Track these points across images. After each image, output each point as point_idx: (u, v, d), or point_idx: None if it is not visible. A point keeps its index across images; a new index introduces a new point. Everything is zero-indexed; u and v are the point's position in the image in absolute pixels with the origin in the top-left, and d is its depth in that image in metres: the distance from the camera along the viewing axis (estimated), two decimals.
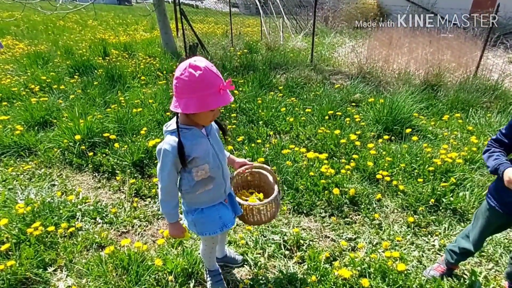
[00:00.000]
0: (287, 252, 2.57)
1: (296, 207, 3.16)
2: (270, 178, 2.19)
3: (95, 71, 6.59)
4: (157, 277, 2.25)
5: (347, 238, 2.82)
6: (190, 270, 2.32)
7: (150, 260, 2.38)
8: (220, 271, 2.28)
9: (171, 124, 1.61)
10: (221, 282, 2.21)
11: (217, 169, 1.74)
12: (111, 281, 2.18)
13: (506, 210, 1.84)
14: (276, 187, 2.08)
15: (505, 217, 1.87)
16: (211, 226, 1.83)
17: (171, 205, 1.72)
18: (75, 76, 6.33)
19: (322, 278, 2.30)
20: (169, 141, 1.55)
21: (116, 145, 3.77)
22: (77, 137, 3.78)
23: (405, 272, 2.36)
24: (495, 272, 2.53)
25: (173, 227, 1.80)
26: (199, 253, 2.44)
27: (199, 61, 1.45)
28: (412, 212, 3.16)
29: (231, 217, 1.89)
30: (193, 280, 2.28)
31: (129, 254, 2.32)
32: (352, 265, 2.45)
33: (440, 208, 3.18)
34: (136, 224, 2.93)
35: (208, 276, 2.24)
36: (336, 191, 3.19)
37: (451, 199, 3.21)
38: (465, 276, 2.48)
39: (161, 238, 2.64)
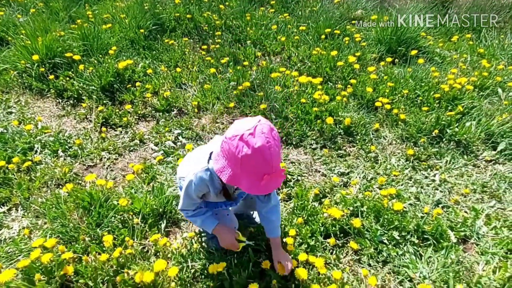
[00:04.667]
0: (279, 200, 2.30)
1: (284, 137, 2.84)
2: None
3: None
4: (123, 218, 1.99)
5: (339, 173, 2.55)
6: (161, 210, 2.06)
7: (116, 199, 2.10)
8: None
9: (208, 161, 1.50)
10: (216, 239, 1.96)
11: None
12: (70, 223, 1.92)
13: None
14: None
15: None
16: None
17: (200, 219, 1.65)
18: None
19: (310, 219, 2.06)
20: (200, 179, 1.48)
21: (81, 66, 3.28)
22: (35, 57, 3.27)
23: (401, 211, 2.13)
24: (497, 210, 2.32)
25: (219, 232, 1.67)
26: (173, 190, 2.17)
27: (257, 136, 1.22)
28: (412, 144, 2.86)
29: None
30: (164, 221, 2.03)
31: (90, 192, 2.03)
32: (343, 203, 2.20)
33: (443, 139, 2.89)
34: (105, 157, 2.61)
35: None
36: (329, 120, 2.84)
37: (456, 129, 2.89)
38: (465, 214, 2.27)
39: (131, 174, 2.34)
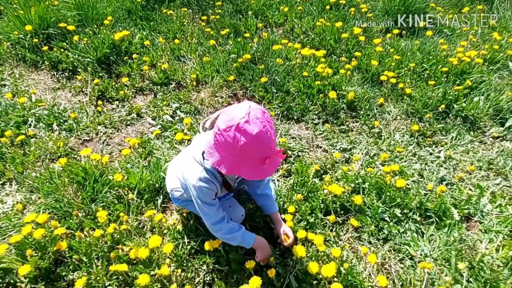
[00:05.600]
0: None
1: (285, 112, 2.75)
2: None
3: None
4: (118, 194, 1.94)
5: (341, 149, 2.47)
6: (157, 185, 2.01)
7: (112, 174, 2.05)
8: None
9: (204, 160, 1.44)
10: None
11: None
12: (64, 198, 1.88)
13: None
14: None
15: None
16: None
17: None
18: None
19: (310, 195, 2.01)
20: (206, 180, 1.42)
21: (76, 37, 3.17)
22: (28, 27, 3.14)
23: (404, 188, 2.07)
24: (503, 187, 2.26)
25: (258, 246, 1.60)
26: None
27: (253, 123, 1.18)
28: (417, 120, 2.77)
29: None
30: (161, 197, 1.99)
31: (85, 167, 1.98)
32: (344, 180, 2.15)
33: (450, 115, 2.79)
34: (101, 131, 2.55)
35: None
36: (332, 94, 2.74)
37: (464, 104, 2.79)
38: (470, 191, 2.21)
39: (127, 148, 2.29)
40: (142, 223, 1.86)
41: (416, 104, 2.83)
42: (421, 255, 1.77)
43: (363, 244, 1.85)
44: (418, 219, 1.94)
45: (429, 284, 1.62)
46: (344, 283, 1.54)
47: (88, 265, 1.59)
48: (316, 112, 2.78)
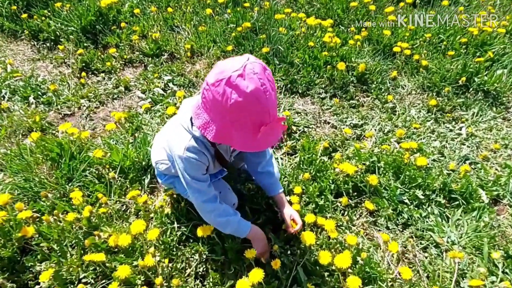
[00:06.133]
0: (271, 151, 1.96)
1: (289, 85, 2.48)
2: None
3: None
4: (99, 172, 1.69)
5: (351, 125, 2.22)
6: (144, 163, 1.76)
7: (93, 151, 1.80)
8: None
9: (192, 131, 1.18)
10: None
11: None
12: (35, 177, 1.63)
13: None
14: None
15: None
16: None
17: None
18: None
19: (318, 175, 1.77)
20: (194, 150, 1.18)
21: (58, 4, 2.87)
22: None
23: (425, 167, 1.82)
24: None
25: (253, 237, 1.33)
26: None
27: (248, 78, 0.94)
28: (434, 94, 2.51)
29: None
30: (148, 176, 1.74)
31: (60, 142, 1.73)
32: (357, 158, 1.90)
33: (470, 89, 2.53)
34: (84, 105, 2.28)
35: None
36: (341, 65, 2.47)
37: (485, 78, 2.53)
38: (496, 171, 1.96)
39: (112, 123, 2.03)
40: (125, 207, 1.61)
41: (433, 77, 2.56)
42: (448, 242, 1.53)
43: (379, 230, 1.61)
44: (443, 201, 1.70)
45: (459, 275, 1.39)
46: (361, 276, 1.31)
47: (59, 254, 1.35)
48: (323, 86, 2.52)
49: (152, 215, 1.54)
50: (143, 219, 1.45)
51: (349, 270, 1.33)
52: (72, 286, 1.29)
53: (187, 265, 1.39)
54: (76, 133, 1.78)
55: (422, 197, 1.68)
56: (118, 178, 1.65)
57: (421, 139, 2.14)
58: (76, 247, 1.37)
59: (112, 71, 2.58)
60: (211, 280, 1.32)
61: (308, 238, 1.35)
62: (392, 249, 1.36)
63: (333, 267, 1.30)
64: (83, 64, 2.59)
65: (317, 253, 1.35)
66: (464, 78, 2.48)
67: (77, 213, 1.44)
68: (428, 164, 1.91)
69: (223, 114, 0.99)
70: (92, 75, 2.57)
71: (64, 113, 2.22)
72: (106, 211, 1.44)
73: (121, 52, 2.72)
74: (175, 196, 1.61)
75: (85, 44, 2.76)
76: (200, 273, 1.37)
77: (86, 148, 1.77)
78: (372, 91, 2.51)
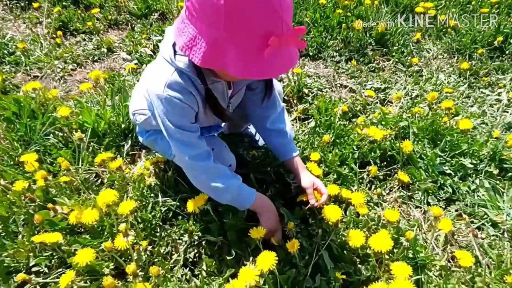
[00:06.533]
0: (283, 104, 1.61)
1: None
2: None
3: None
4: (65, 136, 1.36)
5: (373, 88, 1.88)
6: (123, 126, 1.42)
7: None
8: None
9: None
10: None
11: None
12: None
13: None
14: None
15: None
16: None
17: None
18: None
19: (338, 141, 1.43)
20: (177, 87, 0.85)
21: None
22: None
23: (470, 131, 1.49)
24: None
25: (261, 207, 1.01)
26: None
27: None
28: (466, 58, 2.17)
29: None
30: (129, 141, 1.40)
31: (17, 99, 1.39)
32: (383, 123, 1.56)
33: (506, 52, 2.20)
34: (58, 67, 1.94)
35: None
36: (358, 25, 2.13)
37: None
38: None
39: (88, 83, 1.68)
40: (97, 177, 1.27)
41: (464, 39, 2.22)
42: (507, 221, 1.20)
43: (417, 207, 1.29)
44: (494, 172, 1.36)
45: None
46: (405, 262, 0.97)
47: (4, 234, 1.02)
48: (337, 48, 2.18)
49: (130, 186, 1.20)
50: (118, 190, 1.12)
51: (386, 256, 1.00)
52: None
53: (173, 249, 1.05)
54: (40, 88, 1.43)
55: (470, 165, 1.34)
56: (89, 142, 1.31)
57: (455, 105, 1.80)
58: (27, 225, 1.04)
59: (94, 32, 2.23)
60: (204, 267, 0.98)
61: (333, 213, 1.01)
62: (444, 228, 1.03)
63: (367, 251, 0.98)
64: (60, 23, 2.24)
65: (346, 232, 1.02)
66: (500, 38, 2.15)
67: (32, 182, 1.11)
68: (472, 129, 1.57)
69: (215, 21, 0.67)
70: (71, 36, 2.23)
71: (34, 75, 1.88)
72: (69, 180, 1.11)
73: (105, 13, 2.37)
74: (161, 166, 1.28)
75: (64, 3, 2.41)
76: (190, 259, 1.04)
77: (51, 109, 1.42)
78: (394, 53, 2.17)
